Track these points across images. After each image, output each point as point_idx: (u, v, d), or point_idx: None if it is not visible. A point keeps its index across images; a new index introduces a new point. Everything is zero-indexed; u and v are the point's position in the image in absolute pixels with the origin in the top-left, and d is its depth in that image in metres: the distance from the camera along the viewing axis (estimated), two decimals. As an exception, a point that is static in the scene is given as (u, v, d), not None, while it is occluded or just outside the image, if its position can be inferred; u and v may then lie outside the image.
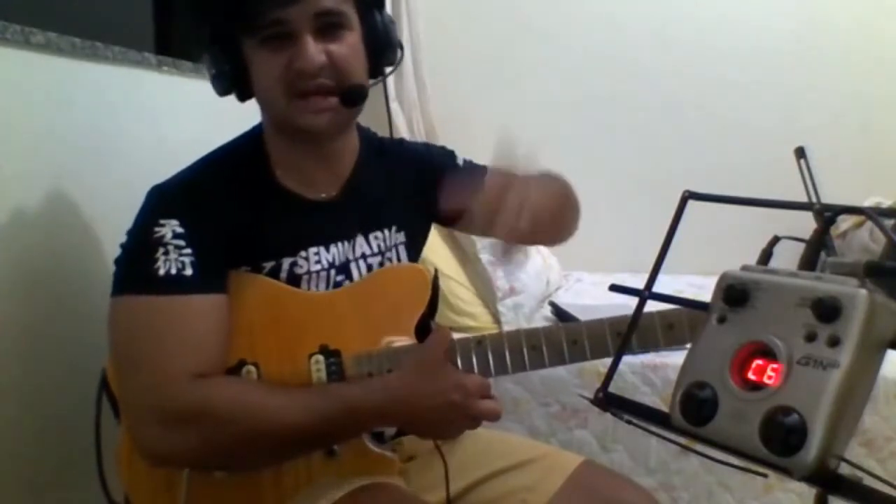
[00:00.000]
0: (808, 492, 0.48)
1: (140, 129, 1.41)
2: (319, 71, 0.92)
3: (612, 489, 1.06)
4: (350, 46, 0.94)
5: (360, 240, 1.05)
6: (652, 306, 0.63)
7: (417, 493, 1.04)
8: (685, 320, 0.94)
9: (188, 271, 0.90)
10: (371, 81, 1.01)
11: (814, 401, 0.45)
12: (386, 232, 1.09)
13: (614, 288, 0.68)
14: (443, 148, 1.24)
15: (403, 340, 1.02)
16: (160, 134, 1.46)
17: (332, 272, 1.02)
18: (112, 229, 1.30)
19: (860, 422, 0.48)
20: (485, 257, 2.18)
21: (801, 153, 0.69)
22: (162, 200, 0.96)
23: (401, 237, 1.11)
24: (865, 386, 0.47)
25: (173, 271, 0.90)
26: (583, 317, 1.96)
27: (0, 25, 1.05)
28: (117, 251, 0.96)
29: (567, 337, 0.98)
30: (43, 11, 1.17)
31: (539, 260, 2.43)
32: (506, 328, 2.06)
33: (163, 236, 0.91)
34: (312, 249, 1.00)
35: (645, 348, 0.97)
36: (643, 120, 2.92)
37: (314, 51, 0.91)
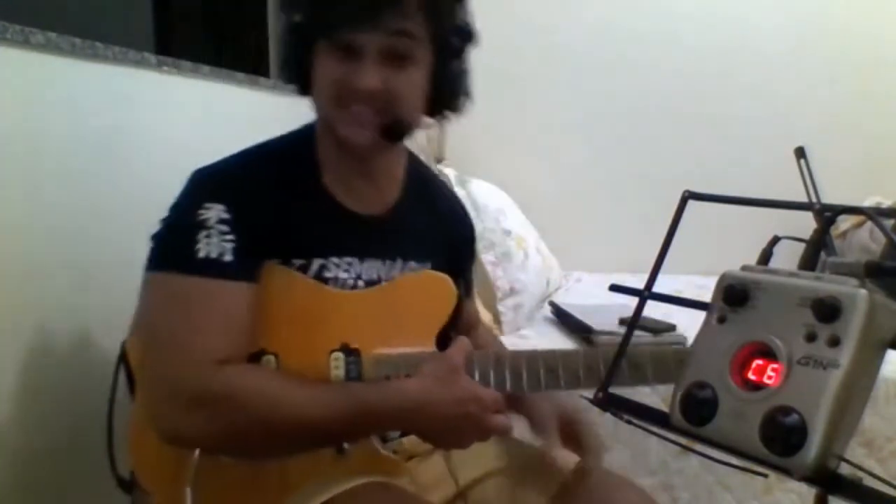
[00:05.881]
0: (808, 492, 0.48)
1: (140, 129, 1.41)
2: (371, 94, 0.92)
3: (610, 489, 1.06)
4: (409, 81, 0.95)
5: (399, 264, 1.05)
6: (652, 306, 0.63)
7: (418, 492, 1.04)
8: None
9: (228, 257, 0.91)
10: (428, 121, 1.02)
11: (814, 401, 0.45)
12: (425, 266, 1.08)
13: (614, 288, 0.68)
14: (473, 227, 1.25)
15: (424, 347, 1.02)
16: (160, 134, 1.46)
17: (361, 284, 1.02)
18: (111, 228, 1.30)
19: (860, 422, 0.48)
20: (485, 257, 2.18)
21: (801, 153, 0.69)
22: (210, 184, 0.96)
23: None
24: (865, 386, 0.47)
25: (213, 255, 0.90)
26: (583, 317, 1.97)
27: (0, 25, 1.05)
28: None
29: (584, 363, 0.99)
30: (43, 11, 1.17)
31: (539, 260, 2.42)
32: (506, 328, 2.06)
33: (207, 219, 0.91)
34: (347, 259, 1.00)
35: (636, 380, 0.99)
36: (643, 120, 2.92)
37: (373, 74, 0.92)
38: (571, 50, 2.92)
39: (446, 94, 1.01)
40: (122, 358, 1.02)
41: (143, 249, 0.95)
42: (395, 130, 0.97)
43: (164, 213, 0.96)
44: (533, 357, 0.99)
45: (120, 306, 1.07)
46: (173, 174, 1.00)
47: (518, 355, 1.00)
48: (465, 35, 1.00)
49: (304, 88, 1.00)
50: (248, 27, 2.59)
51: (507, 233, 2.24)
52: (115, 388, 1.02)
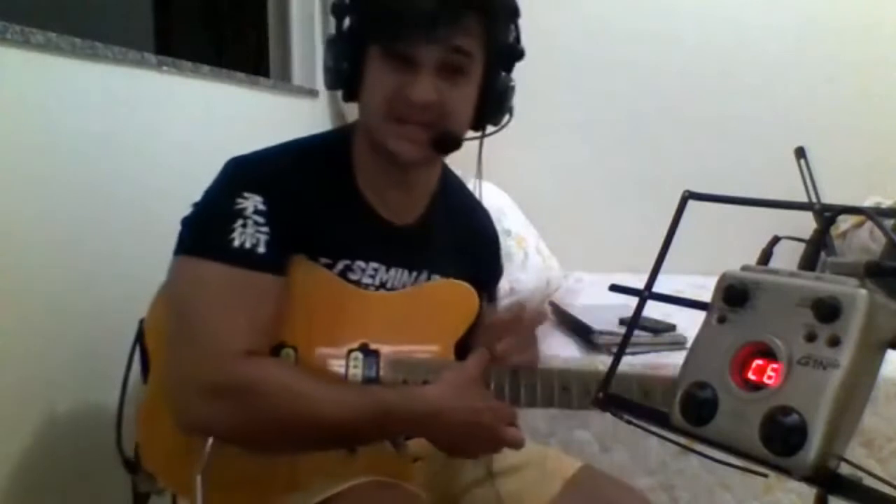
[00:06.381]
0: (808, 492, 0.48)
1: (140, 129, 1.41)
2: (425, 106, 0.93)
3: (610, 493, 1.06)
4: (462, 95, 0.96)
5: (424, 276, 1.06)
6: (652, 306, 0.63)
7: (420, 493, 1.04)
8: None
9: (261, 249, 0.91)
10: (471, 134, 1.02)
11: (814, 401, 0.45)
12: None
13: (614, 288, 0.68)
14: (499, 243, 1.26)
15: (442, 354, 1.03)
16: (159, 134, 1.46)
17: (383, 291, 1.02)
18: (112, 228, 1.30)
19: (860, 422, 0.48)
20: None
21: (801, 153, 0.69)
22: (248, 174, 0.96)
23: None
24: (865, 386, 0.47)
25: (248, 245, 0.90)
26: (583, 317, 1.97)
27: (0, 25, 1.05)
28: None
29: (598, 382, 0.99)
30: (43, 11, 1.17)
31: (539, 260, 2.42)
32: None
33: (244, 209, 0.92)
34: (373, 264, 1.01)
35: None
36: (643, 120, 2.92)
37: (429, 87, 0.92)
38: (571, 50, 2.92)
39: (492, 108, 1.02)
40: (139, 337, 1.01)
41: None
42: (446, 143, 0.97)
43: (190, 199, 0.96)
44: (548, 373, 1.00)
45: (119, 303, 1.07)
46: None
47: (533, 370, 1.00)
48: (516, 53, 1.01)
49: (349, 95, 1.00)
50: (248, 27, 2.59)
51: (507, 233, 2.24)
52: (130, 367, 1.01)
